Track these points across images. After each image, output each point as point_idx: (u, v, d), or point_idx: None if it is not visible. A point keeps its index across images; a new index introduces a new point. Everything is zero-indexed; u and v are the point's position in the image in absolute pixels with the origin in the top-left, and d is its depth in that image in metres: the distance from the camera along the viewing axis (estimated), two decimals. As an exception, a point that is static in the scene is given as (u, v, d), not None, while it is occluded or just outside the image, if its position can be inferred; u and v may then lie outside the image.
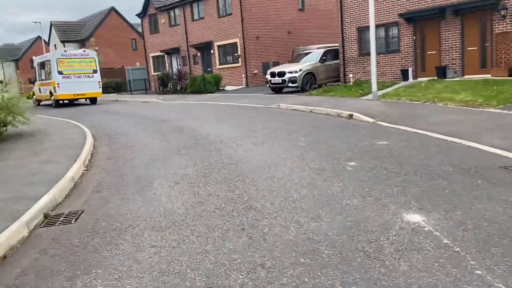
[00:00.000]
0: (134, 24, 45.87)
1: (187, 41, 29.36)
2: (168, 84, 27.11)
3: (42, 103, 25.11)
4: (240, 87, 25.42)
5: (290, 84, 18.61)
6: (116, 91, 33.95)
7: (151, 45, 33.22)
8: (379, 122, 9.46)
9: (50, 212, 4.91)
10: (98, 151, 8.66)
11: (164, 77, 27.67)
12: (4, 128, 10.16)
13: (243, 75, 25.62)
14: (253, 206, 4.53)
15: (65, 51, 23.19)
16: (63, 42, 44.85)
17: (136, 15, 33.57)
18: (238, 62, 25.86)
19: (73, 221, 4.56)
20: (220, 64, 27.41)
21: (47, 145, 9.01)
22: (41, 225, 4.55)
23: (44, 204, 4.97)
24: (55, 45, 46.61)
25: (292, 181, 5.35)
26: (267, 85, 19.90)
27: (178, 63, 30.77)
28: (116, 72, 38.81)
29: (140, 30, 38.14)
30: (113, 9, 46.00)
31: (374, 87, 13.40)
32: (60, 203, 5.31)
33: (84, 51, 23.47)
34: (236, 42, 25.61)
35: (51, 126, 12.60)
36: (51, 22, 45.61)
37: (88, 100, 23.55)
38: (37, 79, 22.86)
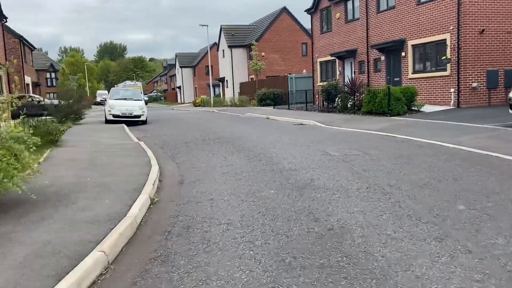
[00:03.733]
0: (307, 28, 40.18)
1: (367, 41, 21.76)
2: (335, 99, 20.04)
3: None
4: (447, 107, 16.62)
5: None
6: (275, 104, 28.19)
7: (320, 47, 26.64)
8: None
9: None
10: None
11: (332, 89, 20.57)
12: None
13: (452, 90, 16.71)
14: None
15: (125, 83, 44.90)
16: (230, 47, 42.05)
17: (306, 10, 27.49)
18: (445, 70, 17.05)
19: None
20: (414, 72, 18.98)
21: None
22: None
23: None
24: (223, 50, 44.32)
25: None
26: (511, 110, 11.08)
27: (353, 70, 23.39)
28: (279, 80, 33.51)
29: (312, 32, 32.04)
30: (284, 9, 41.20)
31: None
32: None
33: (135, 83, 46.33)
34: (445, 40, 16.86)
35: (103, 175, 6.47)
36: (221, 26, 43.27)
37: None
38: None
